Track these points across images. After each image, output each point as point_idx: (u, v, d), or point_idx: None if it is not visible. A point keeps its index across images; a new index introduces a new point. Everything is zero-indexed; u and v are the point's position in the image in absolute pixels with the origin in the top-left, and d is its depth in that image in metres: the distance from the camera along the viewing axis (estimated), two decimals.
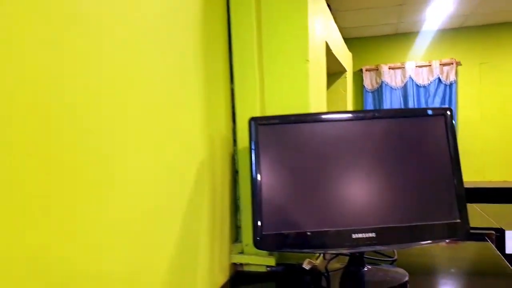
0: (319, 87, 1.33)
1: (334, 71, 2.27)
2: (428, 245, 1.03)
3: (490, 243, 1.34)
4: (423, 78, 4.25)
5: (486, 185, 4.02)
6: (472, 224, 2.37)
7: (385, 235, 0.99)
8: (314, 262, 1.13)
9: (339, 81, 2.31)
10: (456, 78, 4.21)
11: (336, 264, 1.14)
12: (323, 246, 0.97)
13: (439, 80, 4.20)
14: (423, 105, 4.27)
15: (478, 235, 1.45)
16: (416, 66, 4.25)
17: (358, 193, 1.00)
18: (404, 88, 4.29)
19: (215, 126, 1.06)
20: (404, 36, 4.33)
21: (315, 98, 1.24)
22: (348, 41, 4.42)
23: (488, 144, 4.18)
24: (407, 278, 1.02)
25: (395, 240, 0.99)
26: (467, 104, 4.22)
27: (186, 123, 0.89)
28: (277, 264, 1.14)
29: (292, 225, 0.98)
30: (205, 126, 0.99)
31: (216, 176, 1.05)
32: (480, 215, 2.42)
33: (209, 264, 0.98)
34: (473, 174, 4.24)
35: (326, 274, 1.09)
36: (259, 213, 0.97)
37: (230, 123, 1.16)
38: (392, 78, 4.33)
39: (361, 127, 1.03)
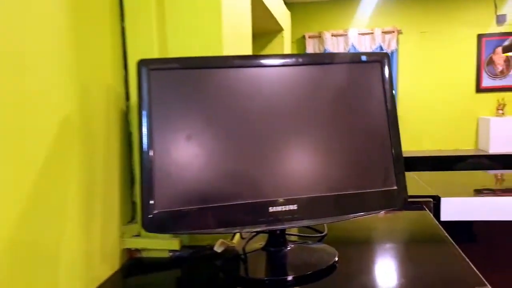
0: (240, 31, 1.10)
1: (269, 29, 2.05)
2: (361, 216, 0.87)
3: (428, 211, 1.21)
4: (365, 46, 4.15)
5: (423, 153, 4.07)
6: (409, 192, 2.31)
7: (309, 208, 0.80)
8: (228, 243, 0.93)
9: (276, 40, 2.10)
10: (397, 47, 4.15)
11: (255, 244, 0.95)
12: (230, 224, 0.77)
13: (381, 48, 4.13)
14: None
15: (416, 203, 1.32)
16: (358, 34, 4.14)
17: (276, 157, 0.80)
18: None
19: (95, 74, 0.80)
20: (347, 3, 4.19)
21: (233, 42, 1.01)
22: (290, 5, 4.21)
23: (426, 113, 4.22)
24: (336, 258, 0.85)
25: (322, 213, 0.81)
26: (407, 73, 4.20)
27: (41, 71, 0.63)
28: (184, 247, 0.93)
29: (192, 200, 0.76)
30: (75, 75, 0.73)
31: (95, 139, 0.80)
32: (416, 183, 2.37)
33: (83, 253, 0.75)
34: (410, 143, 4.27)
35: (243, 256, 0.90)
36: (149, 186, 0.75)
37: (121, 71, 0.91)
38: (335, 46, 4.19)
39: (282, 76, 0.82)
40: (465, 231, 2.15)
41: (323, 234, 1.00)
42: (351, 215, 0.83)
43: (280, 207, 0.79)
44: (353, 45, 4.13)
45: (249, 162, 0.79)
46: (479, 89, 4.09)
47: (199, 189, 0.77)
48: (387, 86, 0.85)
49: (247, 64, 0.82)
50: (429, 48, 4.12)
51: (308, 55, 0.86)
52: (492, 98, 4.05)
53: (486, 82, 4.07)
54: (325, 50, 4.18)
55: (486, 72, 4.06)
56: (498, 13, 3.94)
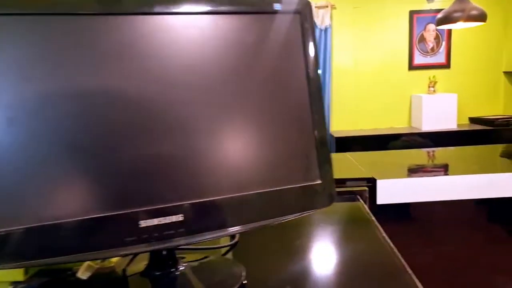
0: None
1: None
2: (277, 222, 0.65)
3: (362, 202, 1.02)
4: None
5: (359, 133, 4.02)
6: (344, 175, 2.16)
7: (202, 218, 0.57)
8: (96, 265, 0.67)
9: None
10: (331, 23, 4.01)
11: (141, 264, 0.69)
12: (78, 249, 0.51)
13: (315, 24, 3.96)
14: None
15: (348, 193, 1.13)
16: None
17: (149, 148, 0.55)
18: None
19: None
20: None
21: None
22: None
23: (360, 91, 4.15)
24: (243, 278, 0.63)
25: (220, 224, 0.58)
26: (341, 50, 4.09)
27: None
28: (35, 275, 0.66)
29: (17, 218, 0.49)
30: None
31: None
32: (352, 164, 2.24)
33: None
34: (346, 123, 4.20)
35: (123, 279, 0.65)
36: None
37: None
38: None
39: (160, 29, 0.56)
40: (402, 212, 2.05)
41: (232, 243, 0.77)
42: (261, 222, 0.60)
43: (157, 219, 0.55)
44: None
45: (106, 157, 0.53)
46: (412, 66, 4.09)
47: (30, 201, 0.50)
48: (308, 46, 0.63)
49: (107, 10, 0.55)
50: (362, 24, 4.03)
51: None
52: (424, 76, 4.07)
53: (418, 59, 4.07)
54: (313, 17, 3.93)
55: (417, 49, 4.06)
56: None
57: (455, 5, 2.11)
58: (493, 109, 4.15)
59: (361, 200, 1.04)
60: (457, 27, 2.23)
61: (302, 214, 0.63)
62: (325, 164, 0.62)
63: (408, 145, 3.88)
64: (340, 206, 0.99)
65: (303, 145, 0.61)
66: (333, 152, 4.08)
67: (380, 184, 1.95)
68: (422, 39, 4.04)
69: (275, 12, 0.61)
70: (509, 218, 1.91)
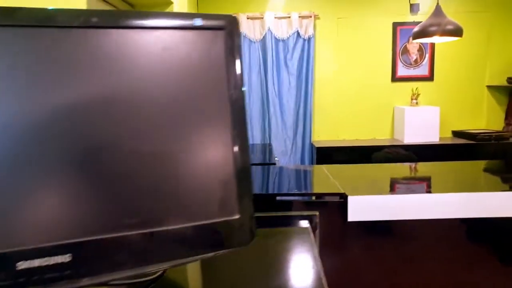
0: None
1: (152, 1, 1.69)
2: (185, 264, 0.58)
3: (309, 229, 0.95)
4: (282, 31, 3.93)
5: (341, 143, 3.97)
6: (316, 190, 2.10)
7: (94, 259, 0.50)
8: None
9: None
10: (314, 33, 3.98)
11: None
12: None
13: (298, 34, 3.93)
14: (282, 61, 3.99)
15: (298, 218, 1.07)
16: (275, 18, 3.89)
17: (33, 176, 0.48)
18: (263, 41, 3.92)
19: None
20: None
21: None
22: None
23: (343, 101, 4.12)
24: None
25: (113, 265, 0.51)
26: (324, 60, 4.06)
27: None
28: None
29: None
30: None
31: None
32: (326, 179, 2.19)
33: None
34: (328, 133, 4.16)
35: None
36: None
37: None
38: (251, 30, 3.92)
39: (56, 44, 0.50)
40: (375, 229, 1.98)
41: (152, 277, 0.70)
42: (167, 263, 0.54)
43: (38, 260, 0.48)
44: (269, 29, 3.89)
45: None
46: (395, 78, 4.06)
47: None
48: (232, 65, 0.57)
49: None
50: (346, 35, 4.00)
51: (102, 12, 0.53)
52: (407, 88, 4.05)
53: (402, 71, 4.05)
54: (240, 33, 3.88)
55: (401, 61, 4.04)
56: (412, 2, 3.91)
57: (431, 19, 2.08)
58: (476, 123, 4.14)
59: (308, 224, 0.97)
60: (434, 41, 2.19)
61: (217, 253, 0.56)
62: (246, 197, 0.56)
63: (391, 157, 3.85)
64: (283, 234, 0.92)
65: (219, 175, 0.54)
66: (313, 162, 4.04)
67: (352, 200, 1.89)
68: (405, 51, 4.03)
69: (195, 28, 0.55)
70: (489, 237, 1.86)
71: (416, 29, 2.09)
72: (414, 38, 2.12)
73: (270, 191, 1.84)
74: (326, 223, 1.84)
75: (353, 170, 2.52)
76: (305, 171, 2.38)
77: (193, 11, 3.69)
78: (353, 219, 1.88)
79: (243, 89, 0.59)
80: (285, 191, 1.91)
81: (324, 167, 2.54)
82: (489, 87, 4.08)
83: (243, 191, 0.57)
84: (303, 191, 1.82)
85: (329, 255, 1.84)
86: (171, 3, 1.73)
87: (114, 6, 1.58)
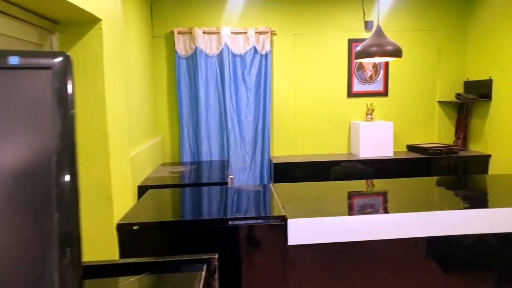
0: None
1: (73, 17, 1.61)
2: None
3: (204, 274, 0.88)
4: (239, 46, 3.93)
5: (298, 159, 3.98)
6: (257, 212, 2.06)
7: None
8: None
9: (92, 33, 1.69)
10: (271, 48, 4.00)
11: None
12: None
13: (255, 49, 3.94)
14: (240, 76, 3.98)
15: (195, 262, 0.98)
16: (232, 33, 3.89)
17: None
18: (220, 56, 3.91)
19: None
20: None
21: None
22: None
23: (300, 117, 4.14)
24: None
25: None
26: (281, 76, 4.08)
27: None
28: None
29: None
30: None
31: None
32: (271, 200, 2.16)
33: None
34: (285, 148, 4.17)
35: None
36: None
37: None
38: (207, 44, 3.90)
39: None
40: (318, 252, 1.94)
41: None
42: None
43: None
44: (226, 45, 3.88)
45: None
46: (351, 93, 4.13)
47: None
48: (60, 109, 0.52)
49: None
50: (302, 51, 4.05)
51: None
52: (362, 103, 4.12)
53: (357, 87, 4.12)
54: (196, 48, 3.86)
55: (356, 77, 4.11)
56: (366, 20, 4.01)
57: (371, 40, 2.12)
58: (429, 137, 4.26)
59: (204, 269, 0.91)
60: (375, 60, 2.24)
61: None
62: (71, 268, 0.48)
63: (348, 171, 3.89)
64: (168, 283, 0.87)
65: (36, 238, 0.48)
66: (271, 178, 4.03)
67: (292, 223, 1.86)
68: (361, 67, 4.11)
69: (11, 67, 0.49)
70: (444, 255, 1.87)
71: (358, 49, 2.12)
72: (356, 58, 2.15)
73: (206, 216, 1.79)
74: (266, 246, 1.80)
75: (304, 189, 2.51)
76: (253, 192, 2.34)
77: (147, 27, 3.63)
78: (294, 243, 1.86)
79: (72, 134, 0.51)
80: (229, 215, 1.86)
81: (273, 186, 2.52)
82: (440, 102, 4.22)
83: (68, 261, 0.47)
84: (243, 215, 1.79)
85: (269, 281, 1.80)
86: (99, 20, 1.68)
87: (33, 24, 1.51)
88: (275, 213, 1.83)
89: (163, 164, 3.78)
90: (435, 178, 2.71)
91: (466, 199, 2.08)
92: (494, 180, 2.66)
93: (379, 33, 2.12)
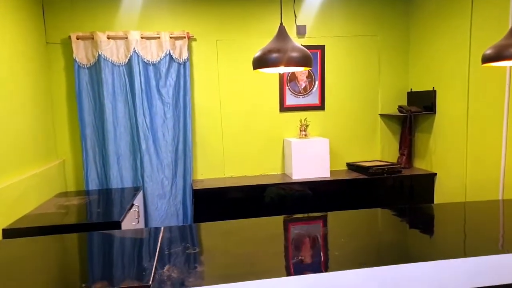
0: None
1: None
2: None
3: None
4: (151, 53, 3.36)
5: (224, 182, 3.45)
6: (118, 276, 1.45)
7: None
8: None
9: None
10: (190, 56, 3.47)
11: None
12: None
13: (171, 57, 3.38)
14: (154, 88, 3.41)
15: None
16: (142, 38, 3.32)
17: None
18: (129, 64, 3.32)
19: None
20: None
21: None
22: None
23: (228, 134, 3.62)
24: None
25: None
26: (204, 87, 3.55)
27: None
28: None
29: None
30: None
31: None
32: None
33: None
34: (211, 170, 3.63)
35: None
36: None
37: None
38: (113, 51, 3.31)
39: None
40: None
41: None
42: None
43: None
44: (135, 51, 3.30)
45: None
46: (283, 107, 3.66)
47: None
48: None
49: None
50: (227, 59, 3.54)
51: None
52: (296, 118, 3.65)
53: (290, 100, 3.66)
54: (99, 56, 3.26)
55: (289, 89, 3.64)
56: (298, 24, 3.56)
57: (272, 44, 1.63)
58: (371, 154, 3.85)
59: None
60: (279, 71, 1.75)
61: None
62: None
63: (283, 194, 3.40)
64: None
65: None
66: (191, 208, 3.47)
67: None
68: (293, 78, 3.65)
69: None
70: None
71: (256, 55, 1.62)
72: (254, 68, 1.65)
73: None
74: None
75: (207, 231, 1.97)
76: (130, 240, 1.72)
77: (38, 31, 2.96)
78: None
79: None
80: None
81: (171, 230, 1.97)
82: (382, 115, 3.82)
83: None
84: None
85: None
86: None
87: None
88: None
89: (60, 195, 3.13)
90: (378, 211, 2.25)
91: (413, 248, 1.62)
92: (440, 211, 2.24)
93: (282, 35, 1.64)
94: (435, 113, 3.45)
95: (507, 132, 2.69)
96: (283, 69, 1.72)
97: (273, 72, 1.94)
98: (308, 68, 1.69)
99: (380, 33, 3.74)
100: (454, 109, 3.19)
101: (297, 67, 1.63)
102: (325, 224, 2.06)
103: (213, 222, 2.10)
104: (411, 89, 3.79)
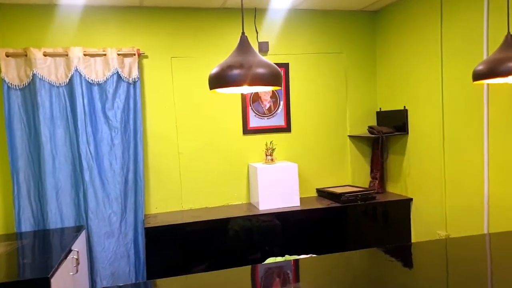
0: None
1: None
2: None
3: None
4: (96, 72, 2.96)
5: (183, 217, 3.06)
6: None
7: None
8: None
9: None
10: (141, 75, 3.10)
11: None
12: None
13: (119, 76, 3.00)
14: (100, 111, 3.00)
15: None
16: (85, 55, 2.92)
17: None
18: (70, 85, 2.90)
19: None
20: (67, 10, 2.95)
21: None
22: None
23: (186, 161, 3.24)
24: None
25: None
26: (157, 109, 3.18)
27: None
28: None
29: None
30: None
31: None
32: None
33: None
34: (166, 203, 3.22)
35: None
36: None
37: None
38: (51, 70, 2.88)
39: None
40: None
41: None
42: None
43: None
44: (77, 70, 2.89)
45: None
46: (247, 130, 3.34)
47: None
48: None
49: None
50: (183, 78, 3.20)
51: None
52: (261, 141, 3.34)
53: (254, 121, 3.35)
54: (34, 75, 2.82)
55: (252, 110, 3.34)
56: (260, 40, 3.28)
57: (233, 57, 1.31)
58: (342, 178, 3.58)
59: None
60: (243, 91, 1.43)
61: None
62: None
63: (249, 226, 3.04)
64: None
65: None
66: (143, 247, 3.05)
67: None
68: (257, 98, 3.35)
69: None
70: None
71: (213, 71, 1.30)
72: (211, 88, 1.33)
73: None
74: None
75: None
76: None
77: None
78: None
79: None
80: None
81: None
82: (351, 137, 3.59)
83: None
84: None
85: None
86: None
87: None
88: None
89: None
90: (357, 253, 1.94)
91: None
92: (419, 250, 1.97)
93: (245, 46, 1.32)
94: (407, 133, 3.24)
95: (488, 154, 2.50)
96: (246, 89, 1.40)
97: (233, 93, 1.62)
98: (278, 88, 1.38)
99: (345, 50, 3.54)
100: (428, 129, 3.00)
101: (264, 86, 1.31)
102: (296, 274, 1.73)
103: (169, 278, 1.70)
104: (380, 108, 3.59)
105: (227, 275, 1.69)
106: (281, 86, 1.36)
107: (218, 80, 1.28)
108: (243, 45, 1.34)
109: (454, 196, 2.80)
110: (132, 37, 3.07)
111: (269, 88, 1.42)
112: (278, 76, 1.31)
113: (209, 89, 1.37)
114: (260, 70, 1.26)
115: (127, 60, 3.02)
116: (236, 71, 1.24)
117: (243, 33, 1.37)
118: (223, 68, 1.27)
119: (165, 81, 3.17)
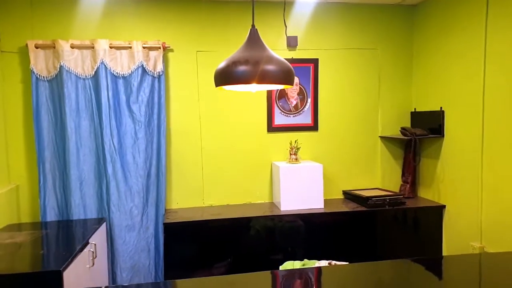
0: None
1: None
2: None
3: None
4: (122, 65, 2.96)
5: (203, 214, 3.01)
6: None
7: None
8: None
9: None
10: (166, 68, 3.07)
11: None
12: None
13: (144, 69, 2.98)
14: (124, 103, 2.99)
15: None
16: (111, 47, 2.92)
17: None
18: (96, 77, 2.91)
19: None
20: (94, 2, 2.96)
21: None
22: None
23: (208, 157, 3.19)
24: None
25: None
26: (181, 104, 3.14)
27: None
28: None
29: None
30: None
31: None
32: None
33: None
34: (190, 199, 3.19)
35: None
36: None
37: None
38: (78, 62, 2.90)
39: None
40: None
41: None
42: None
43: None
44: (103, 63, 2.90)
45: None
46: (272, 128, 3.24)
47: None
48: None
49: None
50: (209, 73, 3.13)
51: None
52: (286, 139, 3.23)
53: (279, 119, 3.24)
54: (61, 67, 2.85)
55: (278, 107, 3.23)
56: (289, 35, 3.16)
57: (240, 53, 1.21)
58: (371, 180, 3.42)
59: None
60: (251, 89, 1.33)
61: None
62: None
63: (272, 226, 2.95)
64: None
65: None
66: (162, 243, 3.03)
67: None
68: (283, 95, 3.24)
69: None
70: None
71: (218, 67, 1.20)
72: (216, 84, 1.24)
73: None
74: None
75: None
76: None
77: None
78: None
79: None
80: None
81: None
82: (382, 138, 3.40)
83: None
84: None
85: None
86: None
87: None
88: None
89: (9, 227, 2.68)
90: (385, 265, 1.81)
91: None
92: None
93: (254, 40, 1.22)
94: (443, 136, 3.03)
95: None
96: (255, 87, 1.30)
97: (241, 91, 1.52)
98: (289, 86, 1.28)
99: (380, 45, 3.35)
100: (466, 132, 2.78)
101: (274, 84, 1.21)
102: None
103: (187, 280, 1.64)
104: (414, 108, 3.38)
105: (243, 280, 1.62)
106: (292, 85, 1.25)
107: (223, 77, 1.19)
108: (252, 38, 1.24)
109: (491, 206, 2.58)
110: (158, 30, 3.04)
111: (280, 87, 1.32)
112: (289, 73, 1.20)
113: (215, 86, 1.28)
114: (269, 67, 1.16)
115: (152, 53, 3.00)
116: (242, 68, 1.15)
117: (253, 25, 1.27)
118: (229, 64, 1.18)
119: (190, 75, 3.12)
